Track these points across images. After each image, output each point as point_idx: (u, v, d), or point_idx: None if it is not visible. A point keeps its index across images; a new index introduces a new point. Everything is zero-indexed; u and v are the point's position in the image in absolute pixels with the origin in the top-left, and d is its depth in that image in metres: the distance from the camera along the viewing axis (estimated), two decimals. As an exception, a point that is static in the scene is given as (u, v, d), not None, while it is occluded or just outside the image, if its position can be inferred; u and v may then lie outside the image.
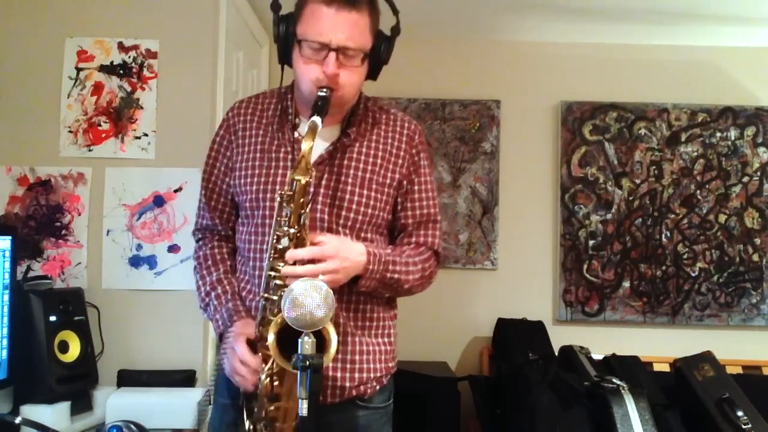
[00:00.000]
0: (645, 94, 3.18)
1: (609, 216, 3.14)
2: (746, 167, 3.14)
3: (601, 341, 2.94)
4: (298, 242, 1.25)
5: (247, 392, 1.29)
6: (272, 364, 1.22)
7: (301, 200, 1.24)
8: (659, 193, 3.14)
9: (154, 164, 2.25)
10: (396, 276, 1.37)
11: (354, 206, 1.38)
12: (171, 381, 2.12)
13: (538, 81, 3.22)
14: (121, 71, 2.27)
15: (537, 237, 3.18)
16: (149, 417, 1.92)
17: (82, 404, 2.01)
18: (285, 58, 1.38)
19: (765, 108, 3.15)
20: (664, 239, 3.13)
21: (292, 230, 1.25)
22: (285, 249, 1.25)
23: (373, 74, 1.41)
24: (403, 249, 1.45)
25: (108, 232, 2.24)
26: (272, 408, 1.25)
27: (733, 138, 3.15)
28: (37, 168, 2.24)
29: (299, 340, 1.09)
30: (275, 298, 1.24)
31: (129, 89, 2.27)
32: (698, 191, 3.14)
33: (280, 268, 1.24)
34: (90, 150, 2.25)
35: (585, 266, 3.13)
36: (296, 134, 1.39)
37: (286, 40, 1.35)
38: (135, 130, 2.26)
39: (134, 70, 2.27)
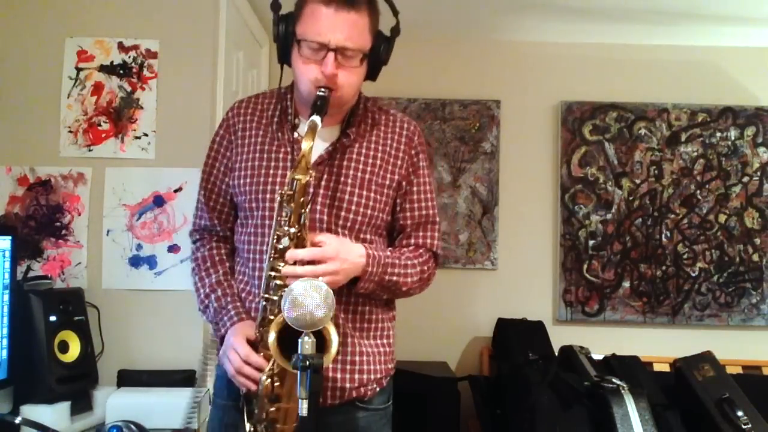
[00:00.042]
0: (645, 94, 3.17)
1: (609, 216, 3.14)
2: (746, 167, 3.14)
3: (601, 341, 2.94)
4: (299, 242, 1.25)
5: (249, 393, 1.28)
6: (273, 364, 1.22)
7: (301, 200, 1.24)
8: (659, 193, 3.14)
9: (154, 164, 2.26)
10: (395, 278, 1.37)
11: (353, 207, 1.38)
12: (171, 381, 2.12)
13: (538, 81, 3.22)
14: (121, 71, 2.27)
15: (537, 237, 3.18)
16: (149, 417, 1.93)
17: (82, 404, 2.01)
18: (284, 57, 1.38)
19: (765, 108, 3.15)
20: (664, 239, 3.13)
21: (292, 230, 1.25)
22: (285, 249, 1.25)
23: (372, 75, 1.40)
24: (402, 251, 1.44)
25: (108, 232, 2.24)
26: (273, 409, 1.25)
27: (733, 138, 3.15)
28: (37, 168, 2.24)
29: (299, 340, 1.09)
30: (275, 298, 1.24)
31: (129, 89, 2.27)
32: (698, 191, 3.14)
33: (280, 268, 1.24)
34: (90, 150, 2.25)
35: (585, 266, 3.13)
36: (296, 134, 1.39)
37: (285, 40, 1.35)
38: (135, 130, 2.26)
39: (134, 70, 2.27)
